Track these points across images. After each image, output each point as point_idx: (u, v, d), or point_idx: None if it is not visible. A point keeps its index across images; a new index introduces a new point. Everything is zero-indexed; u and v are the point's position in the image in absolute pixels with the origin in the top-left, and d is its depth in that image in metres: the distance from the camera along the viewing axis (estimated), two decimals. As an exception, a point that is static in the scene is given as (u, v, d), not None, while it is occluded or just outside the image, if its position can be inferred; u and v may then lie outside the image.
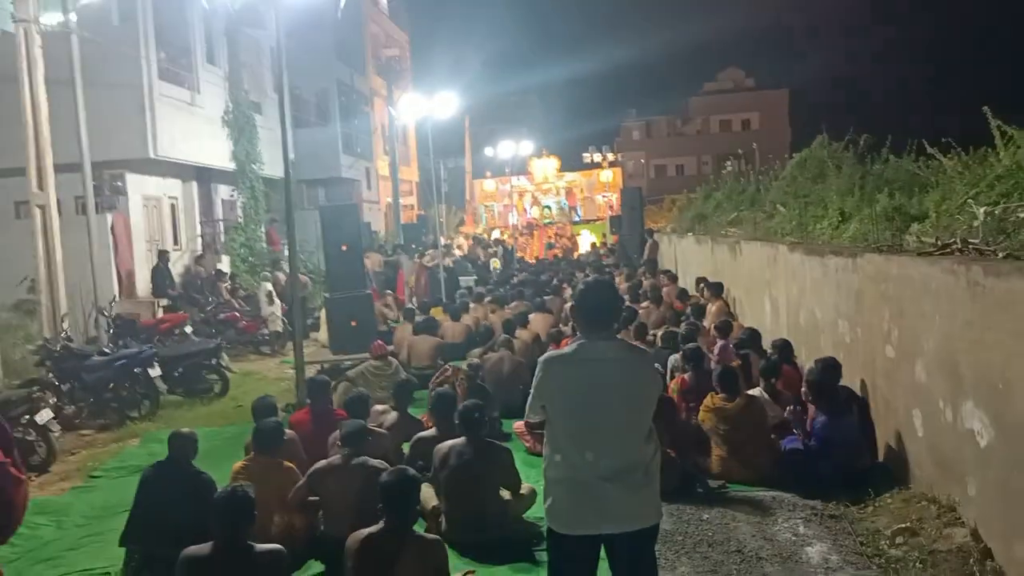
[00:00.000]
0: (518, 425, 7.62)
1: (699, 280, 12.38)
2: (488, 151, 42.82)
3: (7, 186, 13.68)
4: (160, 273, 15.78)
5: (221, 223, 19.81)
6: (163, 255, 16.03)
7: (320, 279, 17.77)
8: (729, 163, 24.46)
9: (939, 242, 5.60)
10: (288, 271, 12.30)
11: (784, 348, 7.75)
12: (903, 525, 4.98)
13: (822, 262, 7.42)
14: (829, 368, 6.33)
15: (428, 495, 5.42)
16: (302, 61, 24.29)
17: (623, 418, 3.34)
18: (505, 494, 5.41)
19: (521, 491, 5.47)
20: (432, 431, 6.05)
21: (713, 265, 12.99)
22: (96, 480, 8.10)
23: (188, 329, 13.87)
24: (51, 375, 10.14)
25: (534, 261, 28.65)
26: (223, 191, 20.06)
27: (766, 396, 6.80)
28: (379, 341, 9.94)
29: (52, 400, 9.58)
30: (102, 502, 7.22)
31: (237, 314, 15.17)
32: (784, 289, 8.76)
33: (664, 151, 60.66)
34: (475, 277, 20.82)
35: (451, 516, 5.26)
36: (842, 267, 6.85)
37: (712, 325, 10.13)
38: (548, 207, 36.26)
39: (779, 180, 12.80)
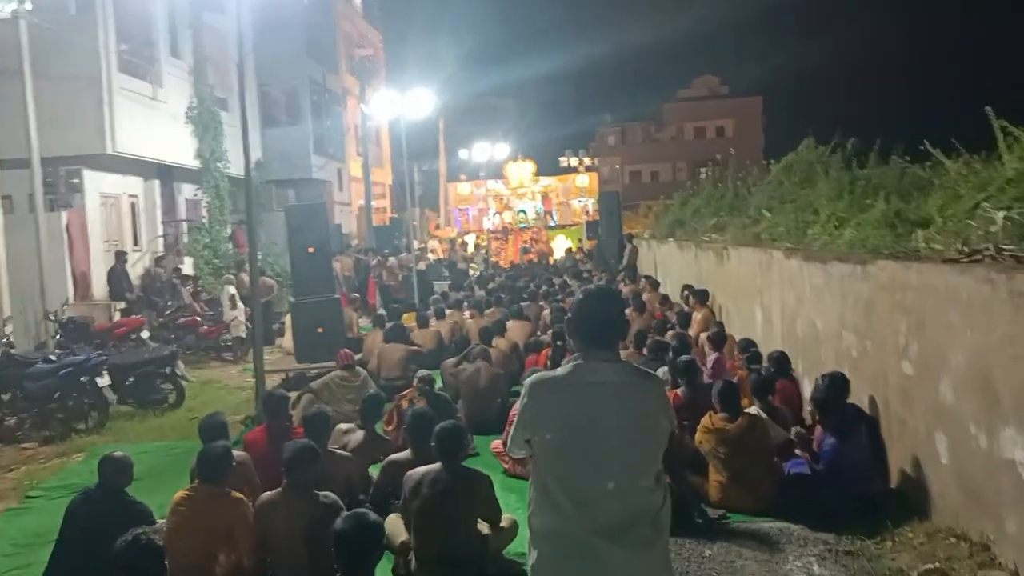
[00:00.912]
0: (495, 444, 7.01)
1: (684, 287, 11.87)
2: (463, 153, 42.22)
3: (-45, 183, 12.89)
4: (117, 275, 15.00)
5: (184, 223, 19.02)
6: (120, 256, 15.26)
7: (287, 282, 17.06)
8: (706, 169, 24.18)
9: (965, 248, 5.09)
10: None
11: (781, 360, 7.23)
12: (931, 565, 4.43)
13: (824, 269, 6.91)
14: (836, 384, 5.80)
15: (397, 528, 4.79)
16: (272, 58, 23.64)
17: (626, 457, 2.69)
18: (483, 527, 4.79)
19: (501, 524, 4.87)
20: (406, 454, 5.41)
21: (697, 271, 12.48)
22: (32, 501, 7.37)
23: (145, 334, 13.15)
24: (-9, 384, 9.41)
25: (508, 266, 28.09)
26: (187, 190, 19.28)
27: (763, 415, 6.25)
28: (346, 350, 9.28)
29: (-11, 412, 8.88)
30: (36, 527, 6.52)
31: (198, 318, 14.43)
32: (779, 297, 8.25)
33: (639, 157, 60.49)
34: (449, 282, 20.19)
35: (422, 553, 4.63)
36: (848, 274, 6.34)
37: (699, 334, 9.63)
38: (523, 211, 35.76)
39: (764, 185, 12.37)
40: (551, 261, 28.41)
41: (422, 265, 20.89)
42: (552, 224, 35.29)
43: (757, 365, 7.45)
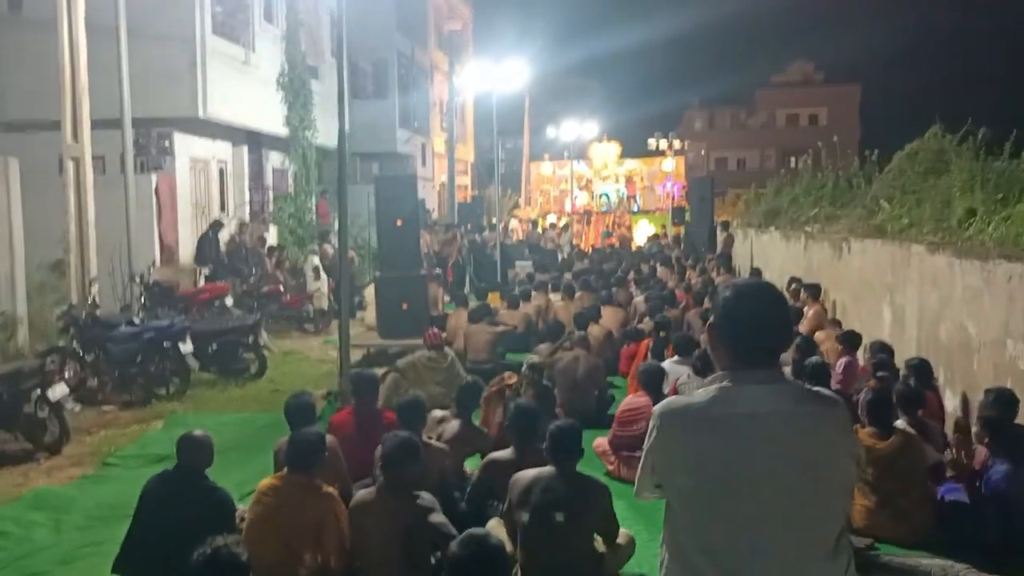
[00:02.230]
0: (599, 442, 6.40)
1: (792, 280, 11.02)
2: (551, 131, 41.45)
3: (54, 140, 12.79)
4: (208, 242, 14.83)
5: (271, 191, 18.88)
6: (216, 225, 15.03)
7: (368, 255, 16.76)
8: (804, 157, 23.06)
9: None
10: (336, 244, 11.26)
11: (921, 369, 6.40)
12: None
13: (983, 267, 6.07)
14: (1006, 402, 5.03)
15: (499, 537, 4.24)
16: (361, 30, 23.17)
17: (793, 516, 2.01)
18: (599, 544, 4.21)
19: (618, 540, 4.28)
20: (508, 453, 4.85)
21: (807, 264, 11.60)
22: (109, 469, 7.14)
23: (229, 301, 12.97)
24: (76, 343, 9.27)
25: (589, 249, 27.35)
26: (274, 158, 19.13)
27: (912, 432, 5.48)
28: (434, 329, 8.82)
29: (71, 372, 8.70)
30: (111, 498, 6.24)
31: (281, 287, 14.22)
32: (916, 297, 7.40)
33: (726, 143, 58.89)
34: (531, 262, 19.62)
35: (530, 568, 4.08)
36: (1020, 275, 5.51)
37: (811, 332, 8.83)
38: (606, 195, 34.92)
39: (884, 174, 11.49)
40: (632, 247, 27.54)
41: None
42: (635, 209, 34.35)
43: (884, 372, 6.57)
